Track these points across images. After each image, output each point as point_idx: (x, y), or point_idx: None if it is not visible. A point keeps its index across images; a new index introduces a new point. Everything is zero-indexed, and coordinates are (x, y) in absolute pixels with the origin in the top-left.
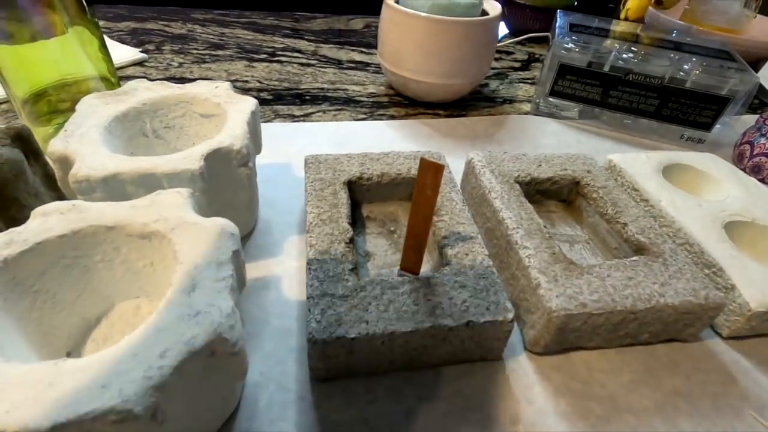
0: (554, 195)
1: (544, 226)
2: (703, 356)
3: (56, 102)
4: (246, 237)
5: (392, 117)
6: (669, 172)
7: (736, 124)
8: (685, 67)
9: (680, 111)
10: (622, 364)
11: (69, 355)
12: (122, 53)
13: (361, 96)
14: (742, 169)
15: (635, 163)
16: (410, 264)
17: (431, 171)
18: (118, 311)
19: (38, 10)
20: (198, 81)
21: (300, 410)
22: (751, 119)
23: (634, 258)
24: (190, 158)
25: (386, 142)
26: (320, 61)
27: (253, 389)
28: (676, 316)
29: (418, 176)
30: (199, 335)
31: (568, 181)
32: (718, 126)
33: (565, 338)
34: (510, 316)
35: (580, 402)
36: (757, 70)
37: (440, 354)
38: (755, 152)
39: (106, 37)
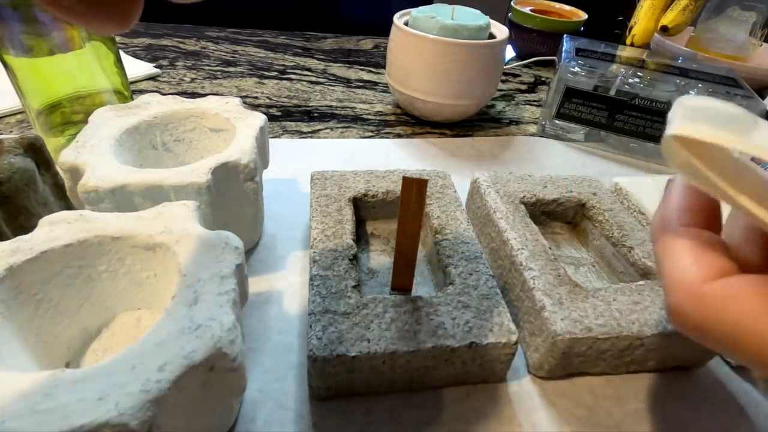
0: (559, 217)
1: (549, 248)
2: (712, 386)
3: (70, 114)
4: (250, 251)
5: (399, 135)
6: None
7: None
8: (691, 92)
9: None
10: (628, 392)
11: (68, 365)
12: (136, 68)
13: (368, 114)
14: None
15: (642, 186)
16: (402, 282)
17: (415, 186)
18: (119, 322)
19: (58, 25)
20: (209, 96)
21: (298, 430)
22: None
23: (641, 282)
24: (197, 171)
25: (392, 160)
26: (329, 79)
27: (251, 406)
28: (683, 342)
29: (402, 194)
30: (198, 349)
31: (573, 203)
32: None
33: (570, 363)
34: (514, 338)
35: (585, 430)
36: (763, 97)
37: (442, 375)
38: None
39: (121, 52)
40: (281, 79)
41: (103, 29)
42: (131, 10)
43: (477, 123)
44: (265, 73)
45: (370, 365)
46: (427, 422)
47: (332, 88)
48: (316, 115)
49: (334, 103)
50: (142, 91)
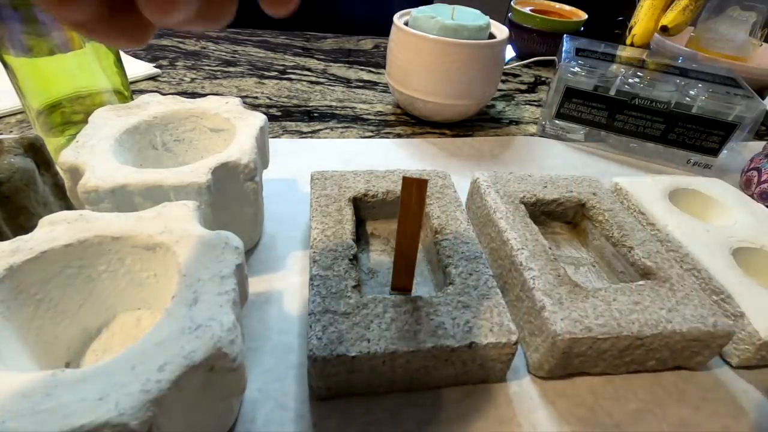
0: (559, 217)
1: (549, 248)
2: (712, 386)
3: (70, 114)
4: (250, 251)
5: (399, 135)
6: (676, 196)
7: (743, 150)
8: (691, 92)
9: (686, 136)
10: (627, 392)
11: (68, 365)
12: (136, 67)
13: (368, 114)
14: (749, 196)
15: (642, 186)
16: (402, 282)
17: (415, 186)
18: (119, 322)
19: (58, 25)
20: (209, 96)
21: (298, 430)
22: (758, 146)
23: (641, 282)
24: (197, 171)
25: (392, 160)
26: (329, 79)
27: (251, 406)
28: (683, 343)
29: (402, 194)
30: (198, 349)
31: (573, 203)
32: (724, 152)
33: (570, 363)
34: (514, 338)
35: (585, 430)
36: (763, 97)
37: (442, 375)
38: (763, 179)
39: (121, 52)
40: (281, 79)
41: (117, 45)
42: (147, 28)
43: (477, 123)
44: (265, 73)
45: (370, 365)
46: (427, 422)
47: (332, 88)
48: (316, 115)
49: (334, 103)
50: (142, 91)
